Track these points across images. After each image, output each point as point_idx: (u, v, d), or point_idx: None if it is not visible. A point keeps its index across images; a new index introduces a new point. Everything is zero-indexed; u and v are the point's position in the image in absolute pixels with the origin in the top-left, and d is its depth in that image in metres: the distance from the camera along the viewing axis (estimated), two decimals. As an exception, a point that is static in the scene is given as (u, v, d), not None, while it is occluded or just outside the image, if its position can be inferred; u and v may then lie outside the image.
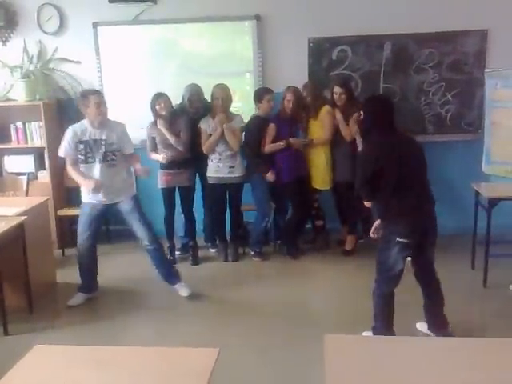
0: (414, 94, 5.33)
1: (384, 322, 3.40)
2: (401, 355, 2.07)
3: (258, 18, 5.31)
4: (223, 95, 4.80)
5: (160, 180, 4.90)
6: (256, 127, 4.92)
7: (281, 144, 4.84)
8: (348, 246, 5.16)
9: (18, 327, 3.82)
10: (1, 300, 3.75)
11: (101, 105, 4.02)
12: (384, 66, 5.30)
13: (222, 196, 5.01)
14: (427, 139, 5.21)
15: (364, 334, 3.41)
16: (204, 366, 1.96)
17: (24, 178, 5.23)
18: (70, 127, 4.13)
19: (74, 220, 5.59)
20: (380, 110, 3.30)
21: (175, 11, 5.33)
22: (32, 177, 5.40)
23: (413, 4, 5.14)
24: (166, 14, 5.36)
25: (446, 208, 5.45)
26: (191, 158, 4.92)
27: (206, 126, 4.86)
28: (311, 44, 5.31)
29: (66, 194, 5.65)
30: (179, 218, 5.15)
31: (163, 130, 4.74)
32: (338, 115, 4.89)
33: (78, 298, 4.27)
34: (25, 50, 5.52)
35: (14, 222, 3.86)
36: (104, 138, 4.05)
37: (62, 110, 5.64)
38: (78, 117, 5.58)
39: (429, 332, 3.52)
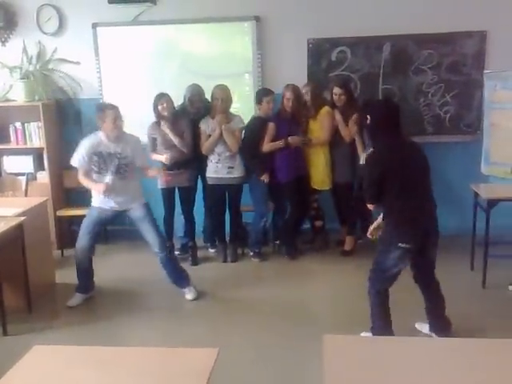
0: (413, 95, 5.34)
1: (381, 322, 3.40)
2: (399, 355, 2.07)
3: (257, 18, 5.31)
4: (223, 96, 4.81)
5: (160, 180, 4.90)
6: (256, 128, 4.92)
7: (280, 143, 4.84)
8: (347, 247, 5.16)
9: (17, 327, 3.81)
10: (0, 300, 3.74)
11: (117, 119, 4.05)
12: (383, 67, 5.30)
13: (222, 197, 5.02)
14: (426, 140, 5.21)
15: (363, 334, 3.42)
16: (203, 366, 1.96)
17: (23, 179, 5.22)
18: (85, 139, 4.14)
19: (73, 221, 5.61)
20: (387, 114, 3.33)
21: (175, 12, 5.34)
22: (31, 177, 5.40)
23: (412, 5, 5.14)
24: (165, 15, 5.36)
25: (445, 209, 5.43)
26: (191, 159, 4.92)
27: (206, 126, 4.86)
28: (310, 45, 5.32)
29: (65, 194, 5.66)
30: (179, 219, 5.15)
31: (168, 131, 4.74)
32: (338, 116, 4.89)
33: (77, 299, 4.27)
34: (24, 50, 5.52)
35: (13, 223, 3.86)
36: (119, 151, 4.09)
37: (61, 110, 5.65)
38: (76, 118, 5.65)
39: (430, 333, 3.52)
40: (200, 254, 5.21)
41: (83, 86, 5.58)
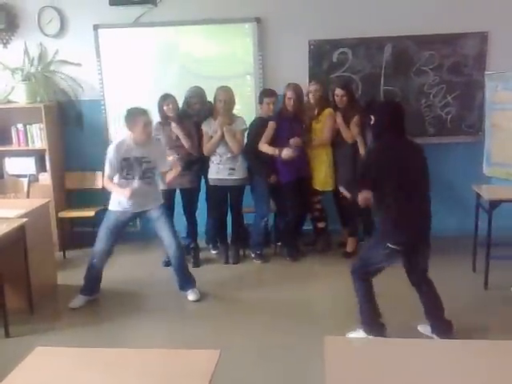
0: (414, 96, 5.34)
1: (370, 314, 3.44)
2: (401, 357, 2.07)
3: (258, 20, 5.32)
4: (226, 97, 4.81)
5: (161, 181, 4.89)
6: (257, 128, 4.93)
7: (275, 151, 4.79)
8: (349, 248, 5.16)
9: (19, 329, 3.81)
10: (2, 302, 3.75)
11: (148, 125, 4.08)
12: (384, 68, 5.30)
13: (223, 198, 5.02)
14: (428, 141, 5.21)
15: (351, 335, 3.45)
16: (205, 367, 1.96)
17: (25, 180, 5.23)
18: (113, 145, 4.16)
19: (74, 222, 5.63)
20: (392, 116, 3.36)
21: (176, 13, 5.34)
22: (33, 179, 5.41)
23: (413, 6, 5.15)
24: (166, 17, 5.37)
25: (447, 210, 5.47)
26: (194, 161, 4.92)
27: (208, 127, 4.87)
28: (312, 46, 5.32)
29: (67, 196, 5.67)
30: (181, 220, 5.15)
31: (178, 133, 4.74)
32: (339, 119, 4.88)
33: (80, 300, 4.26)
34: (26, 52, 5.53)
35: (15, 224, 3.86)
36: (146, 156, 4.14)
37: (63, 112, 5.66)
38: (78, 119, 5.66)
39: (432, 335, 3.51)
40: (202, 255, 5.21)
41: (84, 88, 5.59)
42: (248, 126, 4.97)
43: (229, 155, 4.86)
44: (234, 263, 5.09)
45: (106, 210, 5.38)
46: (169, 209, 4.99)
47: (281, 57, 5.37)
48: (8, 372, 2.00)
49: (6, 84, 5.49)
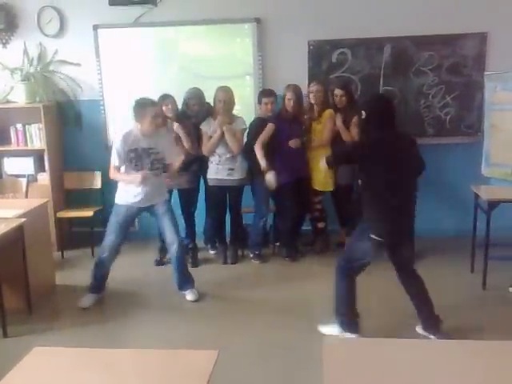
0: (413, 96, 5.34)
1: (348, 312, 3.47)
2: (399, 357, 2.07)
3: (258, 20, 5.32)
4: (226, 98, 4.81)
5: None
6: (256, 128, 4.93)
7: (263, 164, 4.73)
8: (347, 249, 5.16)
9: (17, 329, 3.81)
10: (0, 302, 3.74)
11: (157, 117, 4.08)
12: (384, 68, 5.31)
13: (222, 198, 5.02)
14: (427, 142, 5.22)
15: (322, 330, 3.55)
16: (203, 368, 1.96)
17: (24, 180, 5.23)
18: (119, 135, 4.10)
19: (73, 222, 5.63)
20: (380, 109, 3.37)
21: (175, 14, 5.34)
22: (32, 179, 5.41)
23: (412, 7, 5.15)
24: (166, 17, 5.37)
25: (446, 210, 5.48)
26: (192, 161, 4.92)
27: (207, 127, 4.87)
28: (311, 47, 5.32)
29: (66, 196, 5.66)
30: (179, 220, 5.14)
31: (181, 133, 4.74)
32: (338, 121, 4.87)
33: (89, 299, 4.25)
34: (25, 52, 5.53)
35: (14, 224, 3.86)
36: (153, 146, 4.12)
37: (62, 112, 5.65)
38: (77, 119, 5.65)
39: (425, 333, 3.53)
40: (200, 255, 5.21)
41: (84, 88, 5.59)
42: (248, 126, 4.98)
43: (228, 155, 4.86)
44: (232, 263, 5.09)
45: (104, 210, 5.45)
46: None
47: (280, 57, 5.38)
48: (6, 372, 2.00)
49: (5, 84, 5.49)
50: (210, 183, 4.97)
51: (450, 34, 5.16)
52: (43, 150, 5.40)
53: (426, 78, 5.29)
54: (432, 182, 5.06)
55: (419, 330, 3.59)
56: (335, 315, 3.52)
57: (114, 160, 4.09)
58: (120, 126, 5.39)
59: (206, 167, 4.97)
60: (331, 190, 5.07)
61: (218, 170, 4.89)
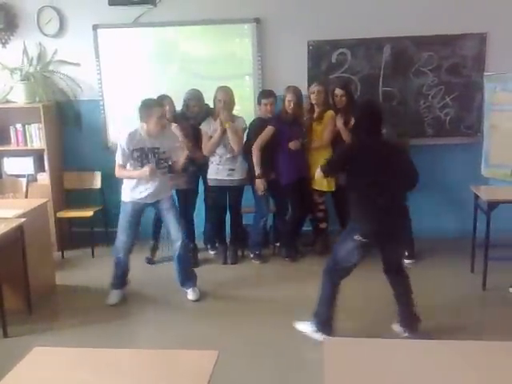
0: (413, 97, 5.34)
1: (327, 315, 3.51)
2: (399, 358, 2.07)
3: (257, 20, 5.32)
4: (226, 98, 4.81)
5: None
6: (256, 128, 4.93)
7: (257, 170, 4.80)
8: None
9: (17, 329, 3.81)
10: (0, 302, 3.74)
11: (162, 117, 4.09)
12: (383, 69, 5.31)
13: (222, 198, 5.02)
14: (426, 142, 5.23)
15: (300, 326, 3.57)
16: (203, 368, 1.96)
17: (23, 180, 5.23)
18: (126, 134, 4.10)
19: (73, 222, 5.62)
20: (367, 116, 3.47)
21: (175, 14, 5.34)
22: (31, 179, 5.41)
23: (412, 7, 5.15)
24: (165, 17, 5.36)
25: (446, 211, 5.48)
26: (190, 162, 4.92)
27: (208, 127, 4.86)
28: (311, 47, 5.32)
29: (66, 196, 5.66)
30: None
31: (178, 134, 4.73)
32: (339, 123, 4.86)
33: (116, 295, 4.29)
34: (25, 52, 5.52)
35: (14, 224, 3.86)
36: (158, 146, 4.13)
37: (62, 112, 5.65)
38: (77, 119, 5.65)
39: (400, 329, 3.56)
40: (200, 255, 5.21)
41: (83, 88, 5.58)
42: (248, 126, 4.98)
43: (228, 156, 4.86)
44: (232, 263, 5.09)
45: (104, 210, 5.45)
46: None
47: (280, 57, 5.37)
48: (6, 372, 2.00)
49: (5, 84, 5.49)
50: (211, 183, 4.97)
51: (450, 34, 5.16)
52: (43, 150, 5.40)
53: (425, 79, 5.29)
54: (432, 183, 5.06)
55: (395, 327, 3.60)
56: (314, 314, 3.56)
57: (119, 158, 4.11)
58: (120, 125, 5.44)
59: (206, 168, 4.97)
60: (333, 190, 5.07)
61: (219, 171, 4.89)
